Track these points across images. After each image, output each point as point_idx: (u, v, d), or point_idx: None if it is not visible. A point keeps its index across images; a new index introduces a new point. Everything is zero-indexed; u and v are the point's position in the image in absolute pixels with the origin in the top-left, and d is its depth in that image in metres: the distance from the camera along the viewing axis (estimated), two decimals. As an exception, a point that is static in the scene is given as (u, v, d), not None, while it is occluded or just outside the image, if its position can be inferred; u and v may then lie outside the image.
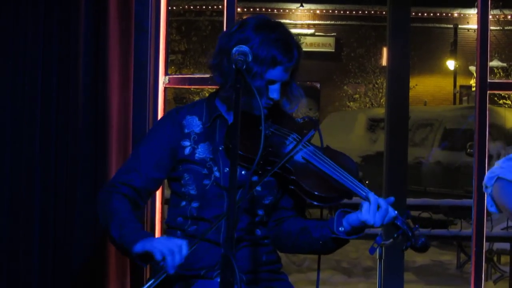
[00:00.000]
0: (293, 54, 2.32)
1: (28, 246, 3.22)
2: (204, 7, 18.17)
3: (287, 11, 20.15)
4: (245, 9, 18.38)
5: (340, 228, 2.31)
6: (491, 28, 3.68)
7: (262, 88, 2.29)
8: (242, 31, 2.31)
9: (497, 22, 17.77)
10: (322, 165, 2.31)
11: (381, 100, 18.55)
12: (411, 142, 10.46)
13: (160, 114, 3.37)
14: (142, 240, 2.17)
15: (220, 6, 15.97)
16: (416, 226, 2.25)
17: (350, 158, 2.41)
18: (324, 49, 20.07)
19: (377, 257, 2.35)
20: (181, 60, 18.13)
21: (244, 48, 2.16)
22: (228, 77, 2.30)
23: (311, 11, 20.28)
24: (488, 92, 3.49)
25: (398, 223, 2.25)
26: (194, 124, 2.41)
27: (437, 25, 20.06)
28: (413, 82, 15.13)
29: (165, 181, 2.52)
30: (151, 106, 3.37)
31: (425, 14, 19.47)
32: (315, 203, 2.28)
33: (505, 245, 6.74)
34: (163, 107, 3.42)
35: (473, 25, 18.47)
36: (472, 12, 19.07)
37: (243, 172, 2.34)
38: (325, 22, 20.39)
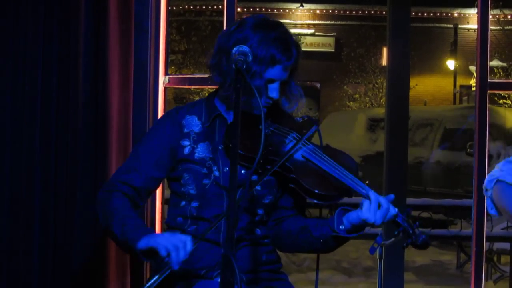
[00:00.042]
0: (292, 53, 2.32)
1: (28, 246, 3.22)
2: (204, 7, 18.18)
3: (287, 11, 20.16)
4: (245, 9, 18.39)
5: (340, 227, 2.31)
6: (491, 28, 3.67)
7: (262, 87, 2.29)
8: (241, 31, 2.31)
9: (497, 22, 17.77)
10: (322, 163, 2.31)
11: (381, 100, 18.55)
12: (411, 142, 10.46)
13: (160, 114, 3.37)
14: (145, 236, 2.17)
15: (220, 6, 15.98)
16: (417, 223, 2.25)
17: (349, 156, 2.41)
18: (324, 49, 20.07)
19: (377, 257, 2.35)
20: (181, 60, 18.13)
21: (244, 48, 2.16)
22: (227, 77, 2.30)
23: (311, 11, 20.29)
24: (488, 92, 3.49)
25: (399, 221, 2.25)
26: (194, 123, 2.42)
27: (437, 25, 20.06)
28: (413, 82, 15.13)
29: (165, 181, 2.53)
30: (151, 106, 3.37)
31: (425, 14, 19.47)
32: (316, 201, 2.28)
33: (505, 245, 6.74)
34: (163, 107, 3.43)
35: (473, 25, 18.47)
36: (472, 12, 19.07)
37: (242, 172, 2.34)
38: (325, 22, 20.39)
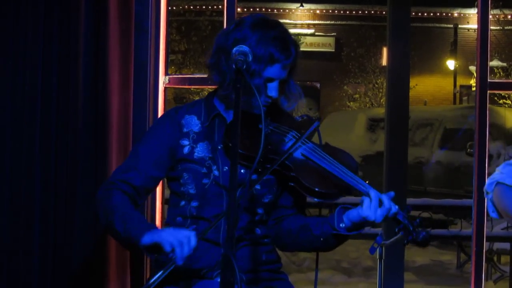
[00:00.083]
0: (291, 52, 2.32)
1: (28, 246, 3.22)
2: (204, 7, 18.18)
3: (287, 11, 20.16)
4: (245, 9, 18.39)
5: (341, 225, 2.31)
6: (491, 28, 3.67)
7: (261, 86, 2.29)
8: (239, 30, 2.31)
9: (497, 22, 17.77)
10: (322, 161, 2.30)
11: (381, 100, 18.56)
12: (411, 142, 10.46)
13: (160, 114, 3.37)
14: (149, 232, 2.16)
15: (220, 6, 15.98)
16: (417, 220, 2.25)
17: (349, 154, 2.41)
18: (324, 49, 20.08)
19: (377, 257, 2.35)
20: (181, 60, 18.14)
21: (244, 48, 2.16)
22: (226, 76, 2.30)
23: (311, 11, 20.29)
24: (488, 92, 3.49)
25: (399, 218, 2.24)
26: (193, 123, 2.42)
27: (437, 25, 20.07)
28: (413, 82, 15.12)
29: (165, 181, 2.53)
30: (151, 106, 3.37)
31: (425, 14, 19.48)
32: (316, 199, 2.28)
33: (505, 245, 6.74)
34: (163, 107, 3.43)
35: (473, 25, 18.48)
36: (472, 12, 19.07)
37: (242, 171, 2.34)
38: (325, 22, 20.40)
